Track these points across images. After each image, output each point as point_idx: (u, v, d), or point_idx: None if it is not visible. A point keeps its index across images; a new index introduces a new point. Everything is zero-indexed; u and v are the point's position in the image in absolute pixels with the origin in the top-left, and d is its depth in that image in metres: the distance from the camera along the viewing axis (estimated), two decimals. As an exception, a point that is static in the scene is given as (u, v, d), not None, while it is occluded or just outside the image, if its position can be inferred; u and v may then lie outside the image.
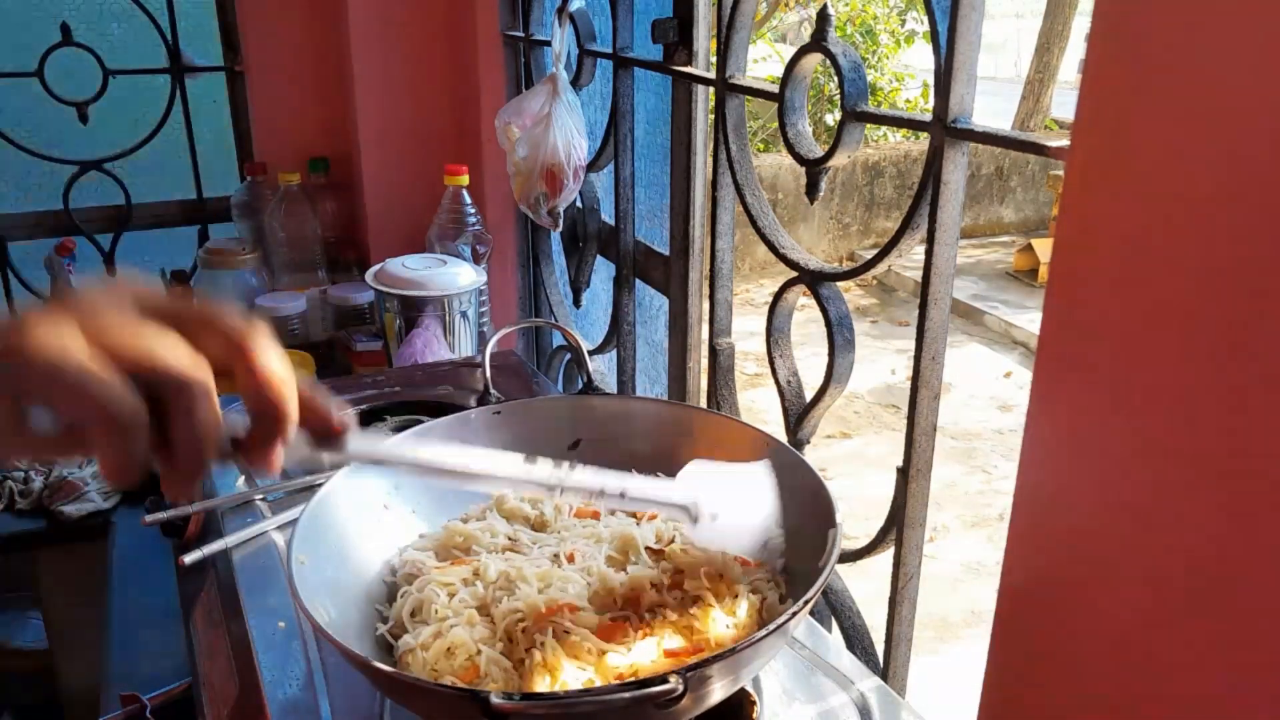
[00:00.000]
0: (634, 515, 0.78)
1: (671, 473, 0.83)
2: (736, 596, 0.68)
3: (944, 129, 0.80)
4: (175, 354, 0.41)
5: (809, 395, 1.03)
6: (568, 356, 1.65)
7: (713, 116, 1.14)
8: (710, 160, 1.16)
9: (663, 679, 0.53)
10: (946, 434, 3.95)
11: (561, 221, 1.41)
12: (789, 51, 1.14)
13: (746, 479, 0.72)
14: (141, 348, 0.40)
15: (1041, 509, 0.66)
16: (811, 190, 0.96)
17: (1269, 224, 0.49)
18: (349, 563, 0.73)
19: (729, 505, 0.70)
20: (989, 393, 4.50)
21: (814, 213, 6.24)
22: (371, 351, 1.63)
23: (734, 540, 0.70)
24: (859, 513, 2.81)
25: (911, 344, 0.87)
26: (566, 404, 0.93)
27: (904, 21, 7.58)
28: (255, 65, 1.89)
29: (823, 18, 0.89)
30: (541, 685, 0.61)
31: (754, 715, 0.71)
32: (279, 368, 0.45)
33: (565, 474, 0.61)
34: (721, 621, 0.66)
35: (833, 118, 7.06)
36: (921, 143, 6.45)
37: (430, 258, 1.44)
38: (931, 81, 0.99)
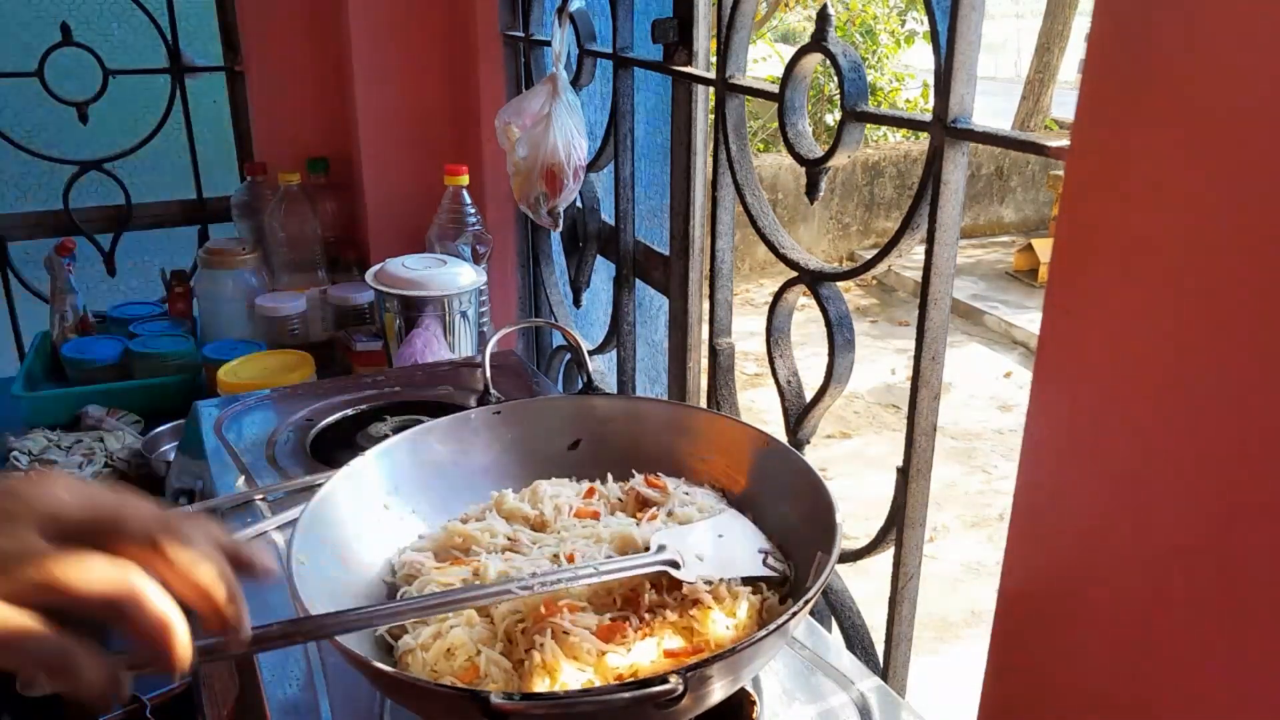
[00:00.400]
0: (635, 516, 0.78)
1: (672, 472, 0.84)
2: (736, 597, 0.68)
3: (944, 129, 0.80)
4: (86, 577, 0.39)
5: (809, 395, 1.03)
6: (568, 356, 1.65)
7: (713, 116, 1.14)
8: (710, 160, 1.16)
9: (663, 679, 0.53)
10: (946, 434, 3.95)
11: (561, 221, 1.41)
12: (789, 51, 1.14)
13: (719, 524, 0.75)
14: (50, 581, 0.39)
15: (1041, 509, 0.66)
16: (811, 190, 0.95)
17: (1268, 223, 0.49)
18: (349, 563, 0.73)
19: (709, 546, 0.71)
20: (989, 393, 4.50)
21: (814, 213, 6.24)
22: (371, 351, 1.62)
23: (731, 568, 0.70)
24: (859, 513, 2.81)
25: (911, 344, 0.87)
26: (566, 404, 0.93)
27: (904, 21, 7.58)
28: (255, 65, 1.89)
29: (823, 18, 0.89)
30: (541, 686, 0.61)
31: (754, 715, 0.71)
32: (198, 564, 0.43)
33: (537, 578, 0.63)
34: (721, 622, 0.66)
35: (833, 118, 7.05)
36: (921, 143, 6.45)
37: (430, 258, 1.44)
38: (931, 81, 0.99)
